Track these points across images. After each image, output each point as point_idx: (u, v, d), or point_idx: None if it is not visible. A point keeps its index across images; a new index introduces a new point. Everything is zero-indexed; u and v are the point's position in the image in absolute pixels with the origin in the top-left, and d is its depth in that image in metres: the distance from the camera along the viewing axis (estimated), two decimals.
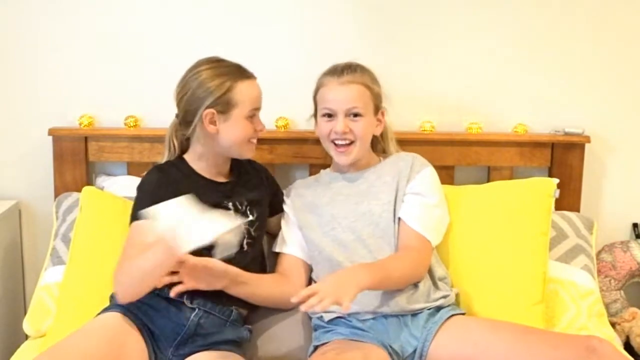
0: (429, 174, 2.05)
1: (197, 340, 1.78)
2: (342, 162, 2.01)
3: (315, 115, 2.07)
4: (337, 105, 1.97)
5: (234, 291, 1.83)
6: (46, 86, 2.43)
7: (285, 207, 2.08)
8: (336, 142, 1.99)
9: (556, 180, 2.33)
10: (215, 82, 1.88)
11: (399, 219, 1.97)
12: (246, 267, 1.87)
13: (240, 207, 1.94)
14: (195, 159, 1.97)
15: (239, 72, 1.92)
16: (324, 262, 1.96)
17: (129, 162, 2.41)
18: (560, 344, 1.74)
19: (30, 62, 2.42)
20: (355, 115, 1.97)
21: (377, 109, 2.04)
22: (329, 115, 1.99)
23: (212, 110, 1.87)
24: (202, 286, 1.77)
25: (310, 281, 2.01)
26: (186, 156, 1.99)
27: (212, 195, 1.89)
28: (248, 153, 1.97)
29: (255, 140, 1.98)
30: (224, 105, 1.88)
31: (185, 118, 1.93)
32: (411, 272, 1.90)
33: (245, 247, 1.91)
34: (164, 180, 1.90)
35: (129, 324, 1.75)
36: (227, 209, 1.90)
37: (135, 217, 1.82)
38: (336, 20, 2.41)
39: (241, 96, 1.89)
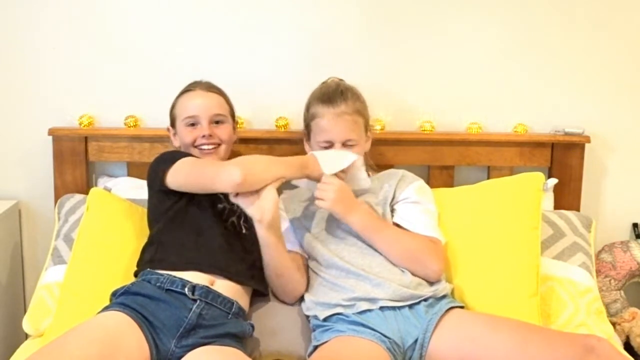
0: (422, 185, 2.14)
1: (200, 332, 1.79)
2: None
3: (307, 134, 2.13)
4: (335, 137, 2.05)
5: (266, 233, 1.91)
6: (46, 86, 2.43)
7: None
8: None
9: (554, 181, 2.33)
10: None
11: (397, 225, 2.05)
12: (247, 250, 1.98)
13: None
14: None
15: (184, 90, 2.15)
16: (317, 256, 2.02)
17: (129, 162, 2.42)
18: (559, 342, 1.74)
19: (30, 62, 2.42)
20: (351, 145, 2.05)
21: (367, 129, 2.13)
22: (327, 144, 2.06)
23: (169, 126, 2.17)
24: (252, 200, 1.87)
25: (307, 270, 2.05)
26: None
27: None
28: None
29: (205, 147, 2.07)
30: (172, 121, 2.16)
31: None
32: (422, 252, 1.97)
33: (244, 229, 2.01)
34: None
35: (128, 321, 1.75)
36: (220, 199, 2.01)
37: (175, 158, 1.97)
38: (336, 21, 2.41)
39: (178, 110, 2.13)
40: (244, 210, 1.90)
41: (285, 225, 2.08)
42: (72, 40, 2.41)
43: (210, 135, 2.06)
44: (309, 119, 2.10)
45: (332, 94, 2.08)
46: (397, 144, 2.34)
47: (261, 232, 1.92)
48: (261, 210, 1.87)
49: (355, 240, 2.01)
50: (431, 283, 1.98)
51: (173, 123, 2.15)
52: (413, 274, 1.96)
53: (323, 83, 2.17)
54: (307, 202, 2.11)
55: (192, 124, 2.08)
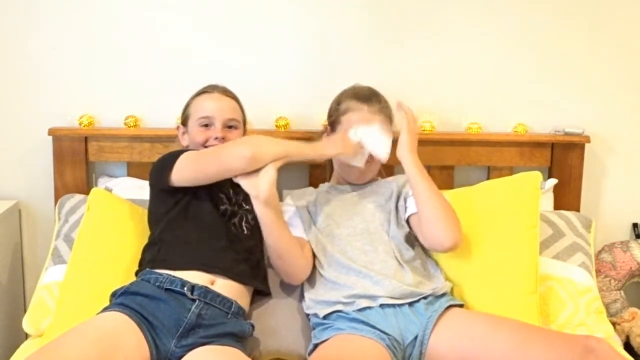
0: None
1: (199, 332, 1.80)
2: (361, 179, 2.14)
3: (332, 127, 2.14)
4: None
5: (264, 209, 1.92)
6: (46, 86, 2.43)
7: (286, 206, 2.15)
8: None
9: (553, 182, 2.33)
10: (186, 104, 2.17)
11: (408, 219, 2.07)
12: (249, 251, 1.99)
13: (237, 197, 2.05)
14: None
15: (201, 91, 2.15)
16: (319, 254, 2.03)
17: (129, 162, 2.42)
18: (558, 343, 1.75)
19: (30, 62, 2.42)
20: None
21: None
22: None
23: (180, 125, 2.17)
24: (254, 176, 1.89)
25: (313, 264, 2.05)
26: None
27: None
28: None
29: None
30: (184, 119, 2.15)
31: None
32: (453, 215, 1.98)
33: (245, 230, 2.02)
34: None
35: (127, 321, 1.75)
36: (227, 195, 2.04)
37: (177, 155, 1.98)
38: (336, 22, 2.41)
39: (193, 109, 2.13)
40: (242, 187, 1.91)
41: (290, 213, 2.11)
42: (72, 40, 2.41)
43: (223, 138, 2.06)
44: (339, 113, 2.12)
45: (368, 93, 2.12)
46: (397, 144, 2.34)
47: (258, 209, 1.93)
48: (257, 186, 1.89)
49: (359, 238, 2.02)
50: (431, 281, 1.98)
51: (185, 122, 2.14)
52: (429, 238, 1.97)
53: (353, 85, 2.18)
54: (315, 199, 2.13)
55: (206, 125, 2.08)
